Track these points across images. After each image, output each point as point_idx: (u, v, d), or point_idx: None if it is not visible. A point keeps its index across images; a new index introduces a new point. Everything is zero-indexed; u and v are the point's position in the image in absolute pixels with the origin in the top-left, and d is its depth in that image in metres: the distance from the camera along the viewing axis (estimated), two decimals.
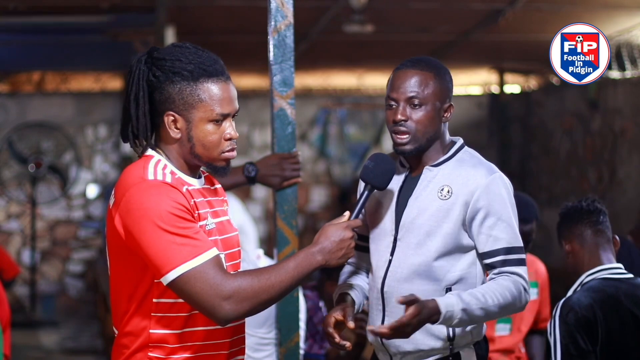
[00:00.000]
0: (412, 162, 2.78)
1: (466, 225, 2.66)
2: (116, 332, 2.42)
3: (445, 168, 2.72)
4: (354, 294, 2.78)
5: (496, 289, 2.60)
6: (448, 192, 2.68)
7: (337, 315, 2.64)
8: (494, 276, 2.65)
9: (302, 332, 3.82)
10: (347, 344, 2.62)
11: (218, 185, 2.55)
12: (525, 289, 2.63)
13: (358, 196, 2.66)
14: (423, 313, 2.50)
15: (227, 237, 2.45)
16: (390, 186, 2.76)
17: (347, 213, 2.51)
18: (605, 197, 8.01)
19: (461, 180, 2.68)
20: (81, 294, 10.05)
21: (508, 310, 2.63)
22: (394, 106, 2.72)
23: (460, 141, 2.80)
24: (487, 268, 2.68)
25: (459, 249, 2.67)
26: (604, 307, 3.01)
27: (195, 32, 7.17)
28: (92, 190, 10.05)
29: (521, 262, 2.66)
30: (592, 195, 3.25)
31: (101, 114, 10.08)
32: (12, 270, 6.50)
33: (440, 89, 2.72)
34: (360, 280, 2.84)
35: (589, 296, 3.03)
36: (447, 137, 2.79)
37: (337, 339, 2.61)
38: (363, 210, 2.68)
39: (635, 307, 3.04)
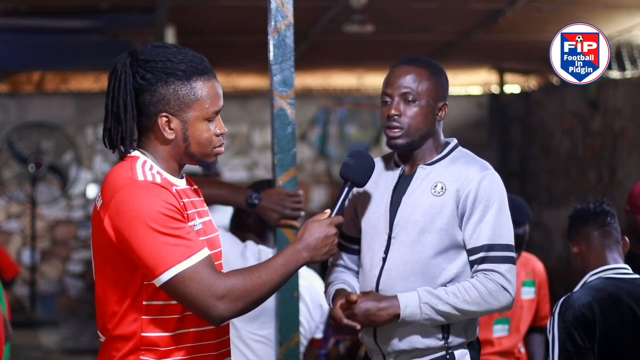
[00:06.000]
0: (406, 160, 2.79)
1: (459, 221, 2.67)
2: (102, 336, 2.39)
3: (439, 166, 2.74)
4: (345, 286, 2.81)
5: (465, 286, 2.63)
6: (442, 188, 2.69)
7: (341, 302, 2.68)
8: (473, 274, 2.67)
9: (321, 326, 3.75)
10: (358, 325, 2.66)
11: (196, 186, 2.54)
12: (505, 288, 2.63)
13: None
14: (382, 300, 2.63)
15: (211, 237, 2.45)
16: (384, 185, 2.79)
17: (327, 210, 2.52)
18: (605, 197, 8.00)
19: (454, 176, 2.70)
20: (81, 294, 10.05)
21: (483, 307, 2.64)
22: (388, 102, 2.75)
23: (454, 141, 2.82)
24: (471, 266, 2.68)
25: (454, 246, 2.68)
26: (603, 306, 3.01)
27: (195, 32, 7.17)
28: (92, 190, 10.05)
29: (504, 260, 2.65)
30: (600, 198, 3.26)
31: (101, 114, 9.86)
32: (12, 270, 6.49)
33: (435, 87, 2.74)
34: (350, 278, 2.86)
35: (589, 294, 3.03)
36: (442, 137, 2.81)
37: (345, 320, 2.65)
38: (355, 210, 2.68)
39: (636, 306, 3.04)
